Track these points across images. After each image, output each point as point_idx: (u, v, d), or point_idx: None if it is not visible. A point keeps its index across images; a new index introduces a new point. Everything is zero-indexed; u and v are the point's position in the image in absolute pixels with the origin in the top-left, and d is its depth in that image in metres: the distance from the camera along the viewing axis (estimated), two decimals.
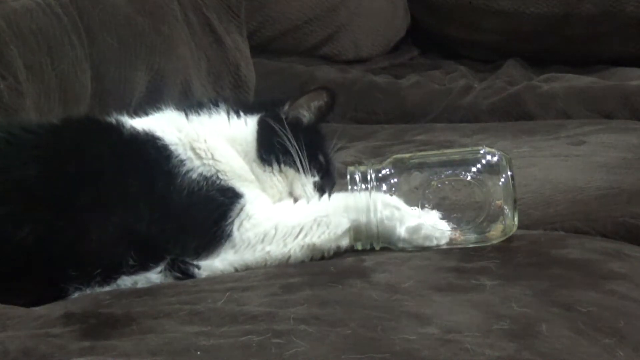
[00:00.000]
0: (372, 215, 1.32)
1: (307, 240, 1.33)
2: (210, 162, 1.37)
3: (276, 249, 1.32)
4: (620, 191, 1.64)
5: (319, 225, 1.33)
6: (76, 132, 1.37)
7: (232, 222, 1.32)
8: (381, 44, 2.85)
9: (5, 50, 1.57)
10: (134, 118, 1.43)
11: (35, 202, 1.25)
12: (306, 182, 1.44)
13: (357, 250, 1.35)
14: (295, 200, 1.42)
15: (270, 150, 1.43)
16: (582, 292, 1.21)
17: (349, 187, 1.35)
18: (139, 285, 1.27)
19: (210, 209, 1.33)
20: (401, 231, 1.33)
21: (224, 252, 1.32)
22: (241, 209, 1.33)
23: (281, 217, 1.34)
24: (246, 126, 1.46)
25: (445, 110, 2.47)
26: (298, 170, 1.43)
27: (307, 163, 1.43)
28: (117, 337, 1.05)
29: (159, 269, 1.28)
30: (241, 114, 1.48)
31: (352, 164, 1.48)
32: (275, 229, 1.33)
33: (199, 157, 1.38)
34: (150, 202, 1.30)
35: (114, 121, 1.39)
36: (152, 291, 1.21)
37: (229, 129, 1.45)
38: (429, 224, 1.33)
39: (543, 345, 1.06)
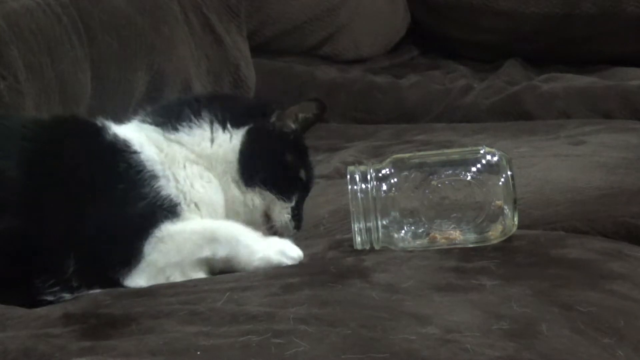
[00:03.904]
0: (372, 219, 1.32)
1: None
2: (185, 189, 1.35)
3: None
4: (620, 191, 1.64)
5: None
6: (60, 129, 1.36)
7: (149, 242, 1.28)
8: (381, 44, 2.85)
9: (5, 50, 1.57)
10: (118, 124, 1.40)
11: (11, 192, 1.25)
12: (283, 208, 1.42)
13: (357, 250, 1.35)
14: (268, 221, 1.41)
15: (253, 170, 1.40)
16: (582, 292, 1.21)
17: (349, 187, 1.34)
18: None
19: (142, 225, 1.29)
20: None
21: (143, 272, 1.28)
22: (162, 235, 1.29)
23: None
24: (230, 143, 1.41)
25: (445, 110, 2.47)
26: (277, 197, 1.41)
27: (287, 187, 1.42)
28: (117, 337, 1.05)
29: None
30: (227, 126, 1.41)
31: (352, 164, 1.49)
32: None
33: (176, 180, 1.35)
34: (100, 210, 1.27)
35: (99, 123, 1.36)
36: (152, 291, 1.21)
37: (209, 149, 1.40)
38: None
39: (543, 345, 1.06)
